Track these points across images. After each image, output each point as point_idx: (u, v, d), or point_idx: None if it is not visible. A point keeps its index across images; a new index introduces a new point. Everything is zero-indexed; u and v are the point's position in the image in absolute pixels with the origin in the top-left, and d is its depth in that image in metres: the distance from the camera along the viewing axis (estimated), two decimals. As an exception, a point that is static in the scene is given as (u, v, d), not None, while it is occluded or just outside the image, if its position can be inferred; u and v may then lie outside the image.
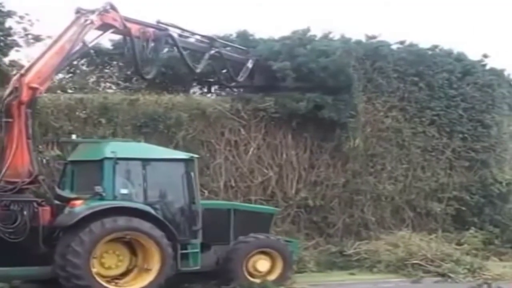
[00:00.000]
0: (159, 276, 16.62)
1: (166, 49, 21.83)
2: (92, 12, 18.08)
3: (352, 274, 21.47)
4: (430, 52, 26.47)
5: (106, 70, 24.77)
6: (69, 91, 22.91)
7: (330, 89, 23.29)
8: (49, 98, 20.53)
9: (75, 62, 23.02)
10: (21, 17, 23.67)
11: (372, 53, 25.12)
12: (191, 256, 17.46)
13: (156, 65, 20.66)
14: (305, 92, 23.20)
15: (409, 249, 21.88)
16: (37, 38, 23.90)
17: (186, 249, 17.35)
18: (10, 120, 16.52)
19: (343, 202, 24.63)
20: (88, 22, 17.81)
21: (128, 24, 19.04)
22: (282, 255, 18.63)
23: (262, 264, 18.49)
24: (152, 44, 19.97)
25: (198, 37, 22.28)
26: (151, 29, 19.89)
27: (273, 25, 38.54)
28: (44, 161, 20.42)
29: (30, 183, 16.58)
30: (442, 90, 26.24)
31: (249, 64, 23.11)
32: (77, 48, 17.74)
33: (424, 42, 26.52)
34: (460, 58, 26.92)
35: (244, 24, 28.27)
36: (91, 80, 24.43)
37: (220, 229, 18.49)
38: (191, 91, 24.68)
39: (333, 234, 24.09)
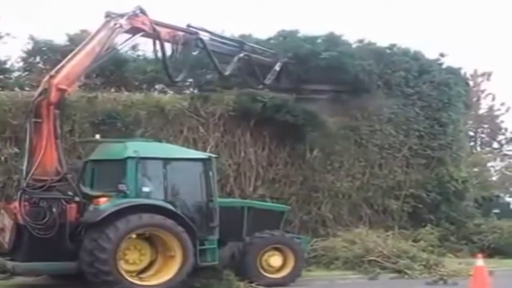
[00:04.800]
0: (181, 271, 17.15)
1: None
2: (122, 16, 18.32)
3: (309, 270, 21.47)
4: (388, 51, 26.67)
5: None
6: (27, 88, 22.78)
7: (355, 90, 24.20)
8: (7, 95, 20.41)
9: (31, 60, 22.93)
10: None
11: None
12: (209, 251, 17.94)
13: (186, 68, 21.00)
14: (327, 94, 23.83)
15: (366, 246, 22.04)
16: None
17: (204, 245, 17.81)
18: (39, 120, 16.82)
19: (300, 199, 24.72)
20: (117, 26, 18.08)
21: (158, 28, 19.29)
22: (294, 252, 19.24)
23: (275, 260, 19.06)
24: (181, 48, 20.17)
25: (228, 40, 22.49)
26: (181, 33, 20.16)
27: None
28: (2, 158, 20.47)
29: (59, 181, 16.91)
30: (399, 89, 26.50)
31: (277, 67, 23.35)
32: (106, 51, 18.04)
33: (382, 41, 26.86)
34: (417, 57, 27.16)
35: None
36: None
37: (234, 226, 18.97)
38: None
39: (290, 231, 24.13)
